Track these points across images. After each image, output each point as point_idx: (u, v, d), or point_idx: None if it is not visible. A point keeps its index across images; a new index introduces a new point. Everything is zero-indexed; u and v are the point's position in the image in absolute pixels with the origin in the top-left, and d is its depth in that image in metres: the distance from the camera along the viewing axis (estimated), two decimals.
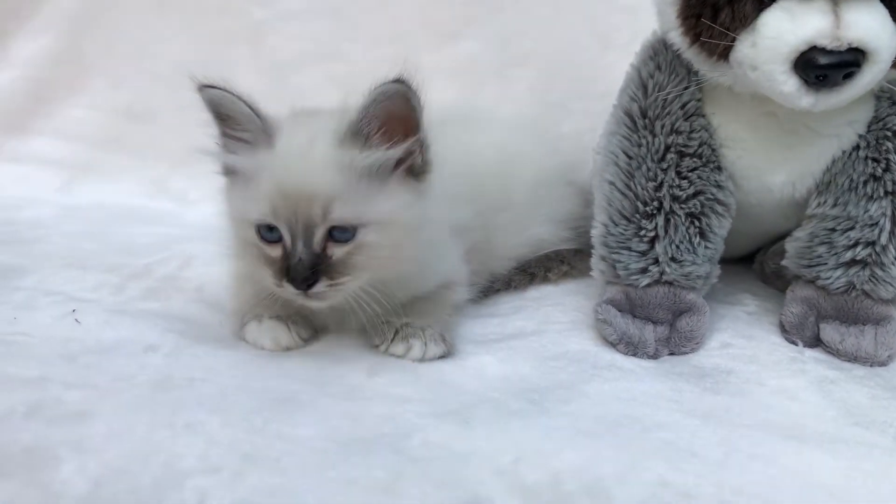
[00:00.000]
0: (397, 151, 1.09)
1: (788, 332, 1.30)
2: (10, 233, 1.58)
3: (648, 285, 1.27)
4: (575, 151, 1.76)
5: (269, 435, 0.92)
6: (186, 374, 1.05)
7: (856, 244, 1.25)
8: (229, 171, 1.14)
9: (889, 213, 1.24)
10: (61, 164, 1.97)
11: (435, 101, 1.42)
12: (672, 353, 1.26)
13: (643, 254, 1.27)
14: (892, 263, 1.24)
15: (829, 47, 1.05)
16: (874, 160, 1.24)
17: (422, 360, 1.16)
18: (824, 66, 1.06)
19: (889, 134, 1.24)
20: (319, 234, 1.07)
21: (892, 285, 1.25)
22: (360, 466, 0.88)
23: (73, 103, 2.01)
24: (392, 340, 1.17)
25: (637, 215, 1.27)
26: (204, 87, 1.07)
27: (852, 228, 1.25)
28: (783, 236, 1.50)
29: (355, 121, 1.06)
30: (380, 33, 1.96)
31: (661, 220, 1.26)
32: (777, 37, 1.08)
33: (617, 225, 1.29)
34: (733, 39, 1.13)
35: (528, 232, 1.52)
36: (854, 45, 1.05)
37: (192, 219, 1.82)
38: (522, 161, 1.55)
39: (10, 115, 2.00)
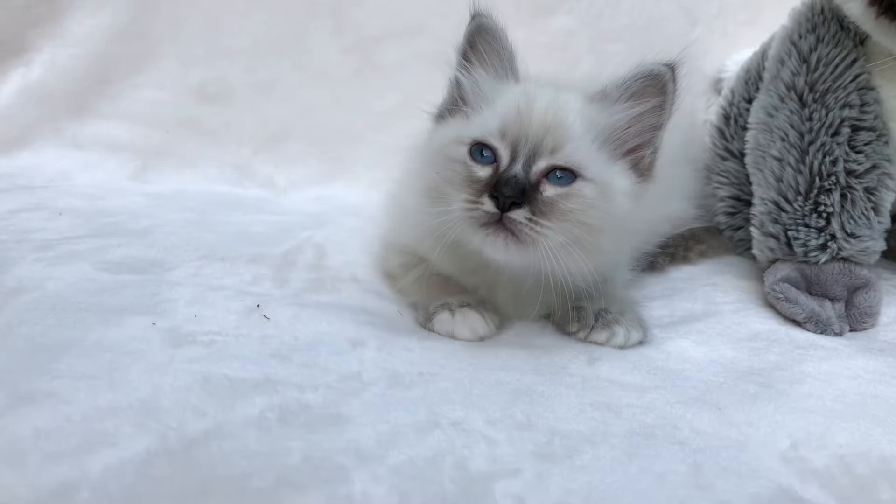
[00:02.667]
0: (638, 111, 1.08)
1: None
2: (115, 224, 1.44)
3: (826, 262, 1.26)
4: (685, 129, 1.73)
5: (542, 430, 0.87)
6: (411, 370, 0.98)
7: None
8: (449, 108, 1.15)
9: None
10: (132, 150, 1.81)
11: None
12: (852, 329, 1.25)
13: (821, 230, 1.26)
14: None
15: None
16: None
17: (623, 346, 1.12)
18: None
19: None
20: (541, 165, 1.03)
21: None
22: (657, 460, 0.84)
23: (140, 83, 1.84)
24: (593, 327, 1.13)
25: (814, 191, 1.26)
26: (478, 15, 1.10)
27: None
28: None
29: (608, 86, 1.08)
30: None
31: (837, 195, 1.25)
32: None
33: (791, 202, 1.27)
34: None
35: (668, 209, 1.48)
36: None
37: (290, 206, 1.70)
38: None
39: (69, 97, 1.81)
